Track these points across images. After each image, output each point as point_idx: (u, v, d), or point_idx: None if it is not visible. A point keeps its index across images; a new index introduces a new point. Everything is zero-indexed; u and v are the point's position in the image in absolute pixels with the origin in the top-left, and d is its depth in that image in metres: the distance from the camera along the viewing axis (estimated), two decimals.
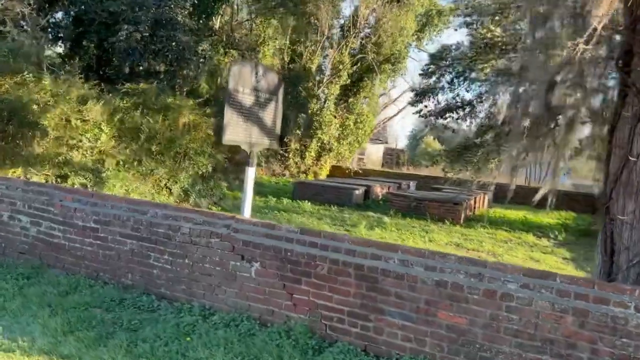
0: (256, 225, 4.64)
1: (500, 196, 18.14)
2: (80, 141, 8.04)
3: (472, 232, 11.96)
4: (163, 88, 10.81)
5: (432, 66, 14.68)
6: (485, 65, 9.80)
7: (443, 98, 14.77)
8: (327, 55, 24.19)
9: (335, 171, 24.92)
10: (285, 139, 22.82)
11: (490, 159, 12.65)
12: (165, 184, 10.12)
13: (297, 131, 22.59)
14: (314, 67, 22.92)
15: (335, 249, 4.23)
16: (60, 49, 14.28)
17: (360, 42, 23.61)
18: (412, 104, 14.70)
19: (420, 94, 14.42)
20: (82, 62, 12.12)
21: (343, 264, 4.17)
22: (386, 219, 12.21)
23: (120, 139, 8.82)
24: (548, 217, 17.05)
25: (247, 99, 6.16)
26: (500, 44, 9.66)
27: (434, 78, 14.62)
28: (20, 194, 5.88)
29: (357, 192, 15.14)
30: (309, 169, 24.02)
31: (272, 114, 6.61)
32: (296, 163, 23.55)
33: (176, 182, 10.27)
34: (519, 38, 9.32)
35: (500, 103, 10.54)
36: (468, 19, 11.69)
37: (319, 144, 23.49)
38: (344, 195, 14.96)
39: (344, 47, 22.98)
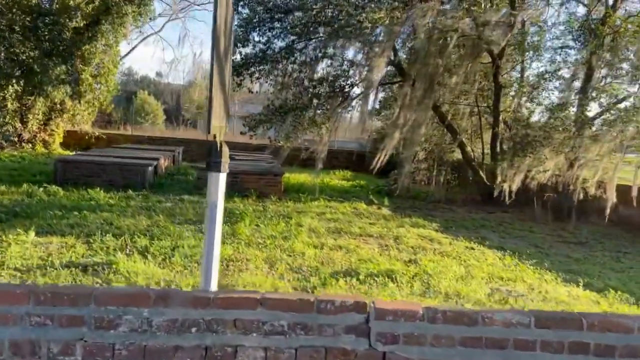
0: (447, 321, 2.23)
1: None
2: None
3: (326, 209, 10.58)
4: None
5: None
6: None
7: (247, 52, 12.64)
8: None
9: (71, 137, 19.85)
10: None
11: (299, 124, 11.49)
12: None
13: (16, 86, 16.76)
14: (33, 2, 17.16)
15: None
16: None
17: None
18: None
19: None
20: None
21: None
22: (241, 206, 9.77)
23: None
24: (327, 177, 16.74)
25: (222, 50, 3.25)
26: None
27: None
28: None
29: (150, 168, 11.89)
30: (35, 136, 18.43)
31: (227, 76, 3.79)
32: (16, 129, 17.71)
33: None
34: None
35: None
36: None
37: (48, 103, 18.13)
38: (134, 175, 11.52)
39: None
